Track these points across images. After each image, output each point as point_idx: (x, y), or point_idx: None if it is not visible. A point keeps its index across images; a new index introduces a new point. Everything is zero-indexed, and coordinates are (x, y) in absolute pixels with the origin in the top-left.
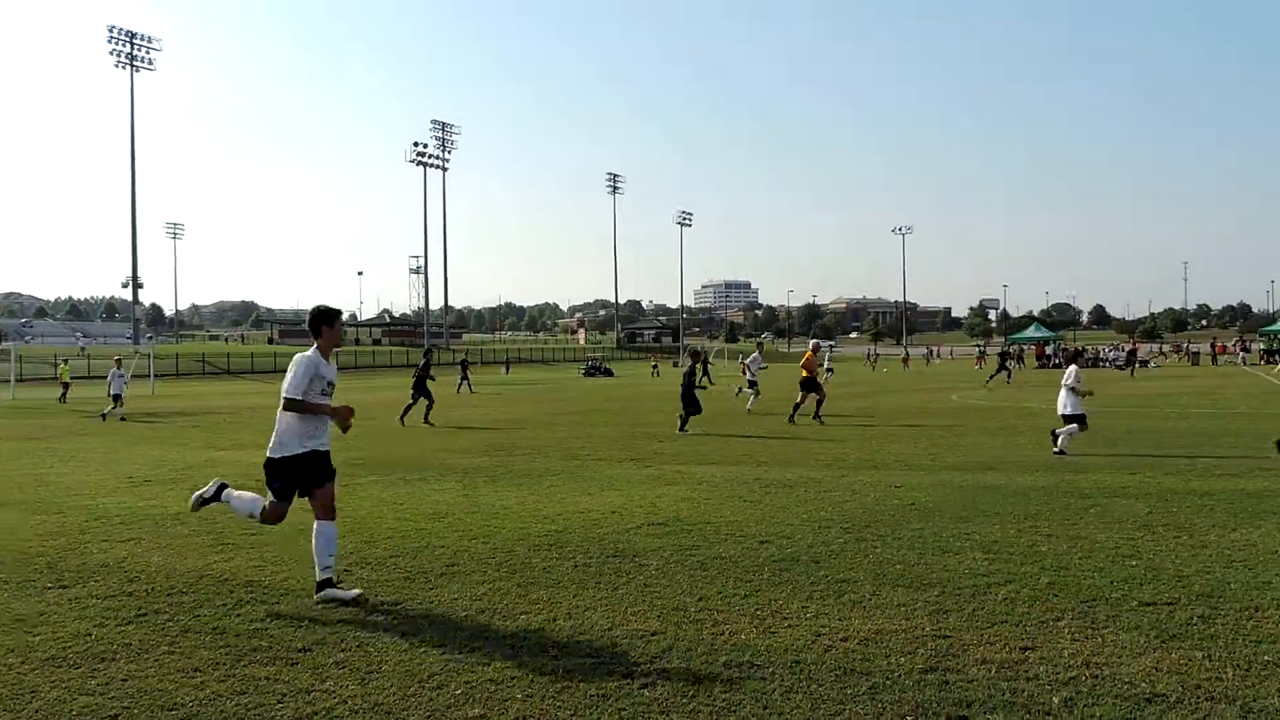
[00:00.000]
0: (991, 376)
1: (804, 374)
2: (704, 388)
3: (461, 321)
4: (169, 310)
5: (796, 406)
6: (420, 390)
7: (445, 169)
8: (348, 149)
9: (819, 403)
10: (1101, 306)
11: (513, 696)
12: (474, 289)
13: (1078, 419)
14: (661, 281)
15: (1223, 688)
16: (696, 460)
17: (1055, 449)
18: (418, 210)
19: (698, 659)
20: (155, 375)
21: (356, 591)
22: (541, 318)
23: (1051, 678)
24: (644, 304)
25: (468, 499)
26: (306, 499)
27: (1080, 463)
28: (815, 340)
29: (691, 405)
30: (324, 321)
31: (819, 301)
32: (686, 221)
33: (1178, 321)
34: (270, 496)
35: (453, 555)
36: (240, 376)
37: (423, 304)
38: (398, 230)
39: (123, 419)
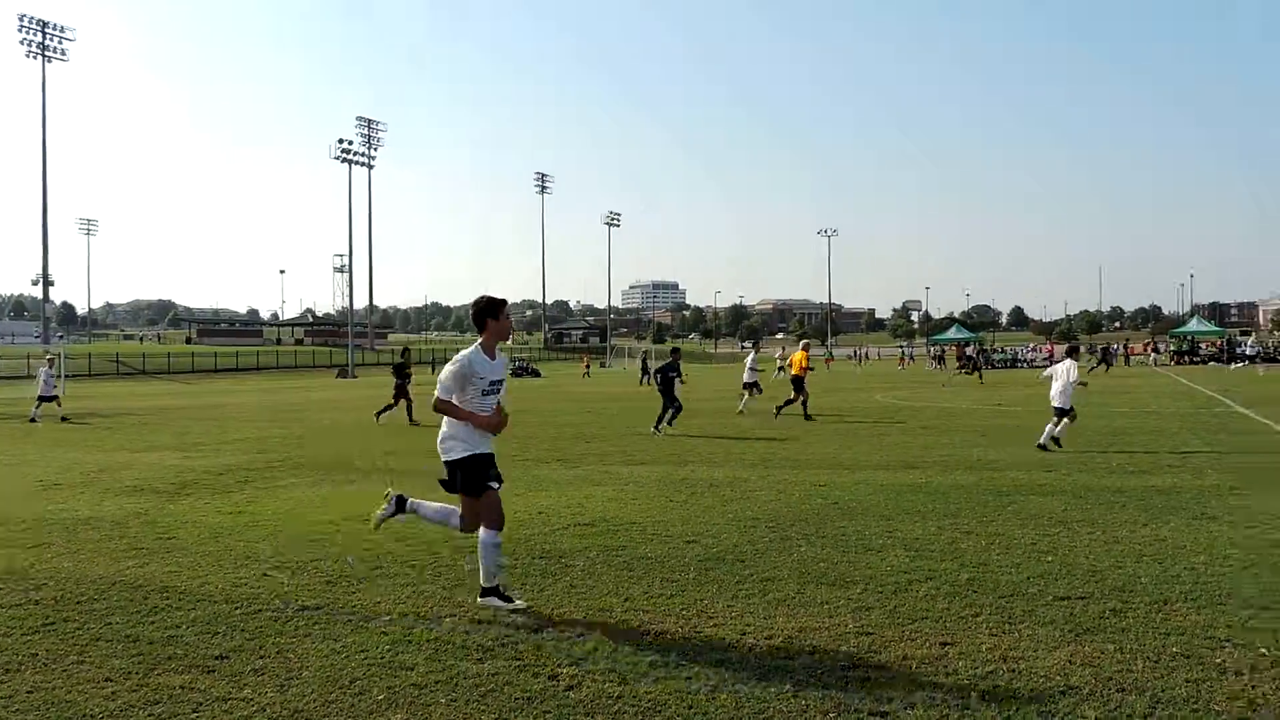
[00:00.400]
0: (954, 374)
1: (794, 373)
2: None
3: (387, 321)
4: (81, 309)
5: (789, 403)
6: (401, 391)
7: (371, 166)
8: (270, 145)
9: (804, 402)
10: (1020, 308)
11: (436, 701)
12: (400, 288)
13: (1067, 412)
14: (589, 282)
15: (1133, 679)
16: (624, 460)
17: (1039, 441)
18: (342, 208)
19: (623, 659)
20: (66, 375)
21: (523, 604)
22: (469, 318)
23: (970, 672)
24: (572, 304)
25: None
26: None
27: (1000, 461)
28: (806, 341)
29: (673, 402)
30: (489, 314)
31: (746, 302)
32: (615, 222)
33: (1092, 323)
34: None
35: (376, 558)
36: (156, 377)
37: (347, 303)
38: (321, 228)
39: (63, 419)
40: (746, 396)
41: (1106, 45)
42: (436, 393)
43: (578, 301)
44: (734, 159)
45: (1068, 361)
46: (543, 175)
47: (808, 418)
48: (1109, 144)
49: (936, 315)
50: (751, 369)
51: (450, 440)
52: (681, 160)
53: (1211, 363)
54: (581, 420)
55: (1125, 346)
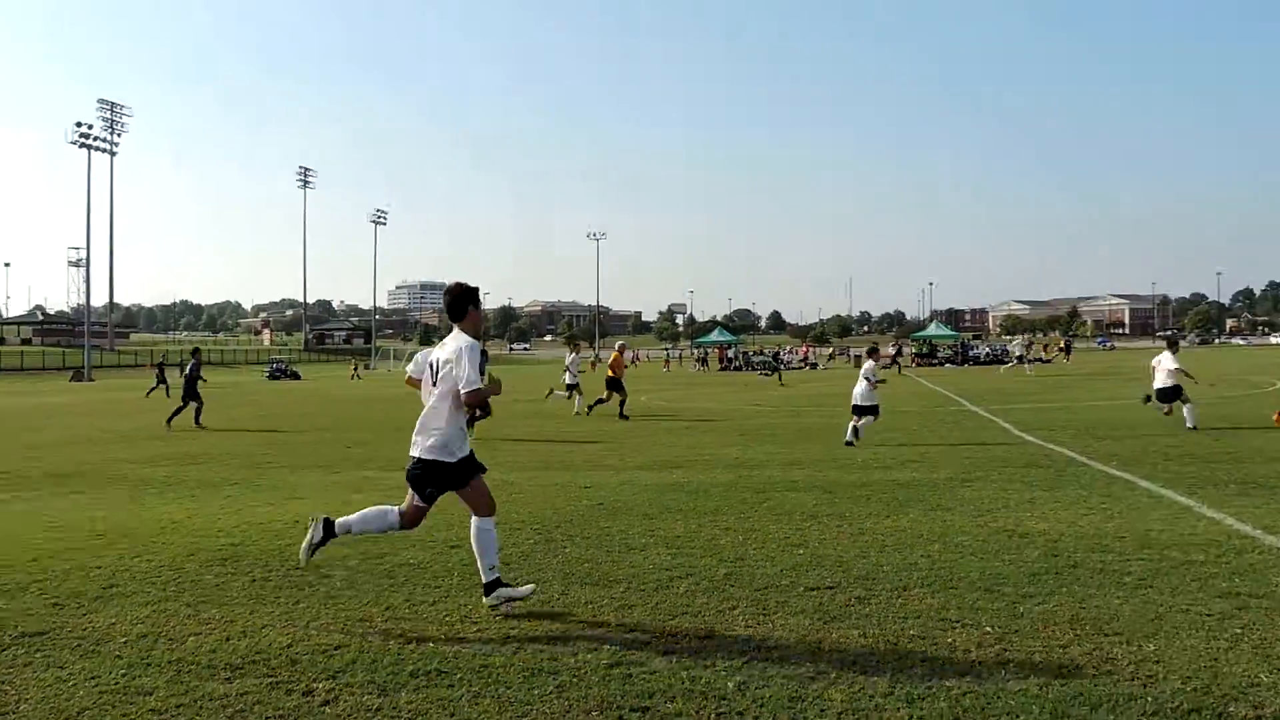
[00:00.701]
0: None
1: (610, 374)
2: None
3: (129, 320)
4: None
5: (601, 402)
6: (190, 393)
7: (114, 153)
8: None
9: (621, 402)
10: (778, 312)
11: None
12: (145, 285)
13: (872, 410)
14: (354, 281)
15: (875, 661)
16: (386, 465)
17: (846, 439)
18: (79, 197)
19: (384, 670)
20: None
21: (530, 587)
22: (222, 317)
23: (727, 664)
24: (335, 304)
25: (133, 513)
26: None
27: (756, 459)
28: (621, 343)
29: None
30: (470, 301)
31: (514, 304)
32: (381, 219)
33: (844, 327)
34: (416, 501)
35: (111, 575)
36: None
37: (83, 300)
38: (55, 218)
39: None
40: (579, 397)
41: (852, 61)
42: (469, 385)
43: (341, 301)
44: (506, 158)
45: (869, 363)
46: (305, 169)
47: (623, 417)
48: (860, 158)
49: (701, 318)
50: (571, 370)
51: (452, 442)
52: (451, 159)
53: (994, 365)
54: (345, 425)
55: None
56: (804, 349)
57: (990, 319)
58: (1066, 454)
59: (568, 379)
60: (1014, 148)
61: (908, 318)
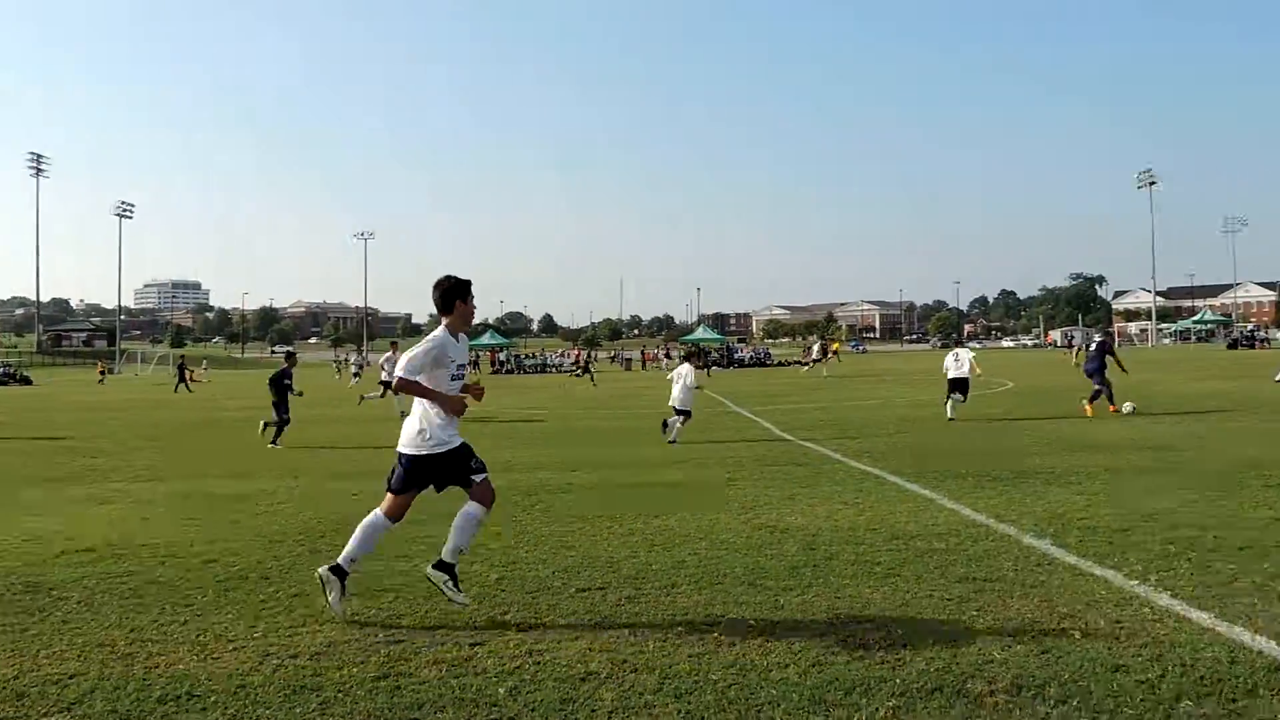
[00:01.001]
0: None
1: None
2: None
3: None
4: None
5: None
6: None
7: None
8: None
9: None
10: (550, 315)
11: None
12: None
13: (686, 413)
14: (98, 279)
15: (645, 659)
16: (135, 476)
17: (669, 439)
18: None
19: (127, 698)
20: None
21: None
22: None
23: (498, 669)
24: (73, 303)
25: None
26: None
27: (528, 461)
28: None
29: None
30: (458, 294)
31: (276, 305)
32: (127, 213)
33: (614, 330)
34: (389, 492)
35: None
36: None
37: None
38: None
39: None
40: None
41: (630, 61)
42: (400, 371)
43: (81, 300)
44: (268, 151)
45: (686, 365)
46: (37, 155)
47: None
48: (633, 162)
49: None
50: (386, 369)
51: (421, 434)
52: (205, 150)
53: (757, 367)
54: (86, 432)
55: (642, 353)
56: (575, 352)
57: (754, 323)
58: (823, 452)
59: (383, 376)
60: (782, 158)
61: (676, 321)
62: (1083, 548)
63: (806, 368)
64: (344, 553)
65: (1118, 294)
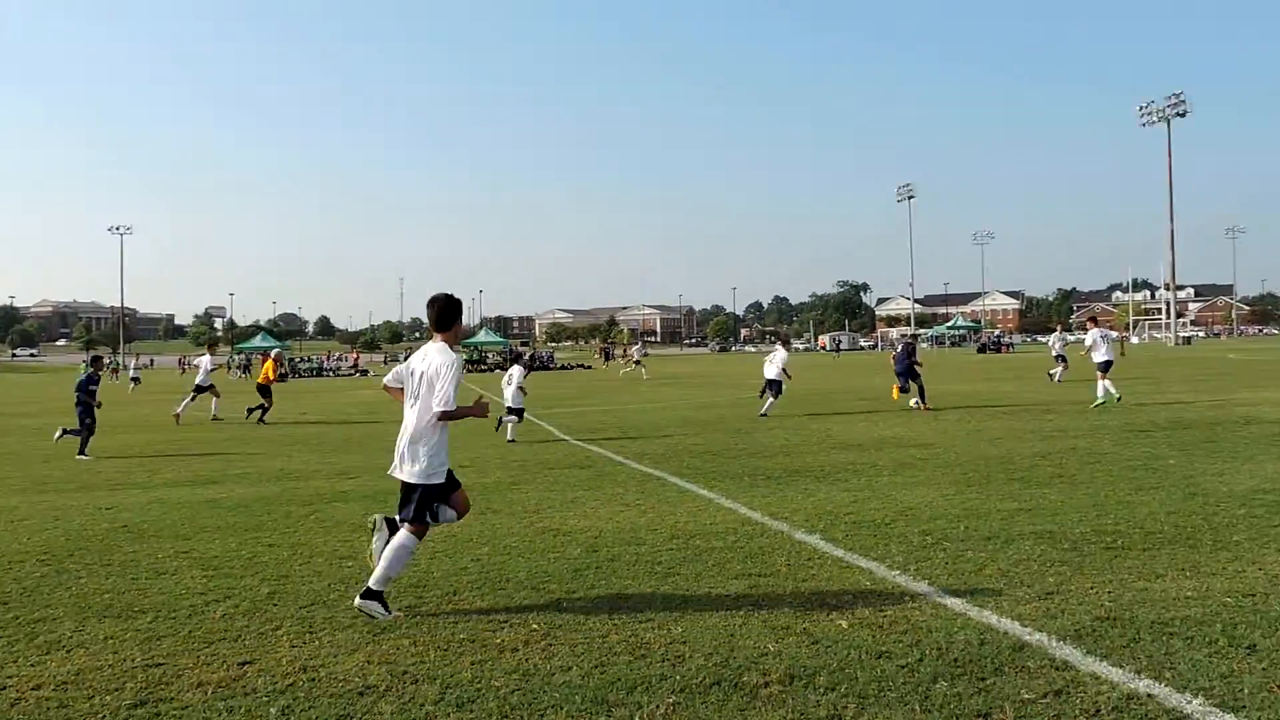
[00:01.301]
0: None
1: (261, 380)
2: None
3: None
4: None
5: (261, 409)
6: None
7: None
8: None
9: (265, 409)
10: (327, 317)
11: None
12: None
13: (519, 411)
14: None
15: (426, 669)
16: None
17: (508, 438)
18: None
19: None
20: None
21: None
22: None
23: (269, 688)
24: None
25: None
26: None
27: (302, 470)
28: (277, 350)
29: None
30: (457, 313)
31: (19, 304)
32: None
33: (395, 333)
34: (412, 524)
35: None
36: None
37: None
38: None
39: None
40: (216, 400)
41: (405, 64)
42: (445, 404)
43: None
44: (8, 139)
45: (516, 368)
46: None
47: (261, 420)
48: (413, 159)
49: (242, 322)
50: (203, 372)
51: (438, 461)
52: None
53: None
54: None
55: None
56: (354, 355)
57: (537, 326)
58: (606, 455)
59: (199, 380)
60: (547, 161)
61: None
62: (849, 541)
63: (626, 370)
64: (375, 576)
65: (880, 301)
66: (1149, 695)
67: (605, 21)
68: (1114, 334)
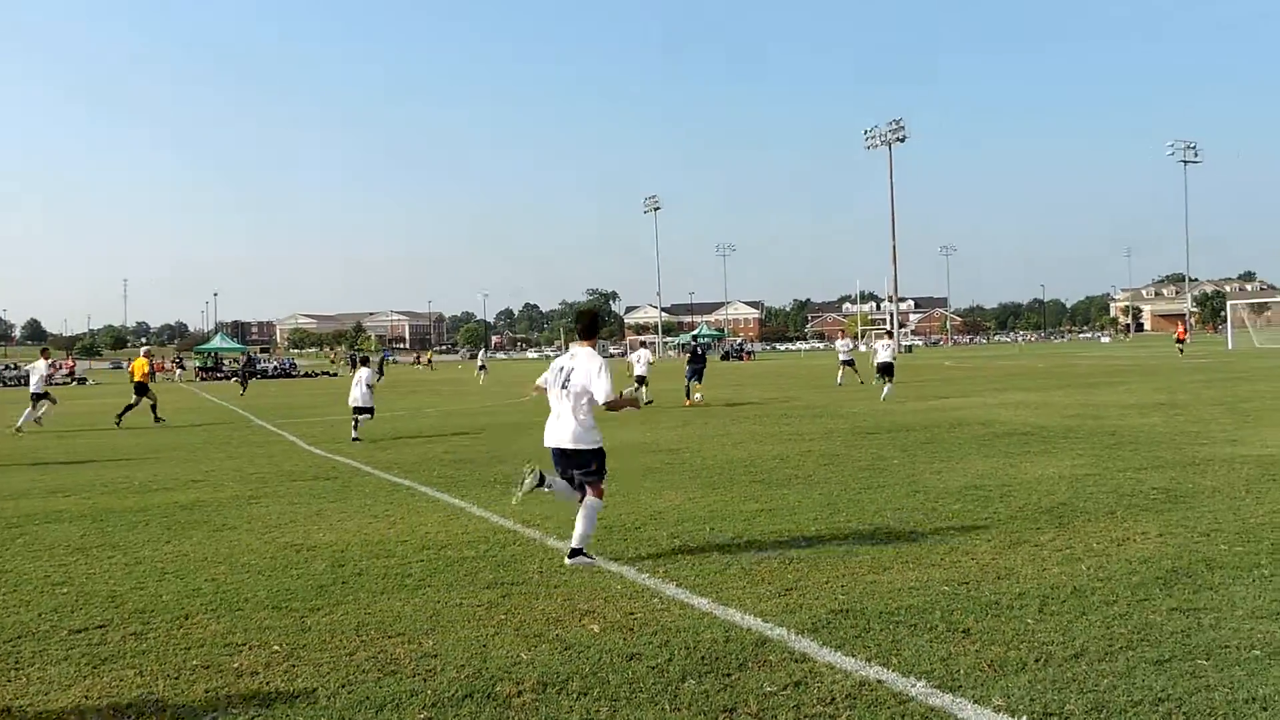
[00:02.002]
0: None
1: (135, 379)
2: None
3: None
4: None
5: (130, 409)
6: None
7: None
8: None
9: (153, 406)
10: (37, 320)
11: None
12: None
13: (368, 410)
14: None
15: (154, 700)
16: None
17: (353, 436)
18: None
19: None
20: None
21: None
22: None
23: None
24: None
25: None
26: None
27: (12, 488)
28: (148, 349)
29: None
30: (600, 324)
31: None
32: None
33: (118, 338)
34: (589, 486)
35: None
36: None
37: None
38: None
39: None
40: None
41: (148, 66)
42: (608, 396)
43: None
44: None
45: (365, 369)
46: None
47: (158, 420)
48: (146, 157)
49: None
50: (35, 381)
51: (596, 432)
52: None
53: (283, 378)
54: None
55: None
56: (69, 363)
57: (279, 332)
58: (353, 465)
59: (33, 388)
60: (311, 155)
61: (191, 329)
62: (601, 546)
63: (481, 372)
64: (577, 536)
65: (629, 309)
66: (878, 681)
67: (331, 21)
68: (892, 343)
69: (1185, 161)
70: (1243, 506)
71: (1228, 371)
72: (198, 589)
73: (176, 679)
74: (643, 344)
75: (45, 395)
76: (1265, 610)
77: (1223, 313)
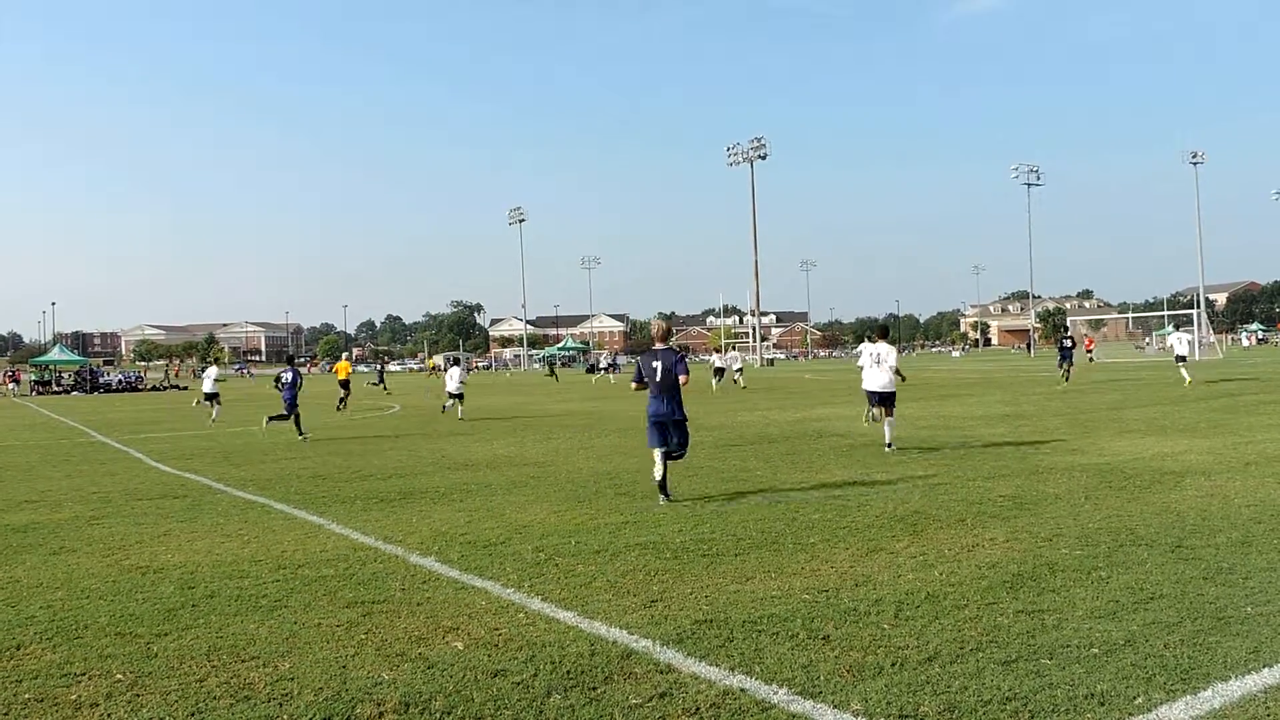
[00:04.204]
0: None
1: None
2: None
3: None
4: None
5: None
6: None
7: None
8: None
9: None
10: None
11: None
12: None
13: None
14: None
15: None
16: None
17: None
18: None
19: None
20: None
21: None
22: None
23: None
24: None
25: None
26: None
27: None
28: None
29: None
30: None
31: None
32: None
33: None
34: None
35: None
36: None
37: None
38: None
39: None
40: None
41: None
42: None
43: None
44: None
45: (456, 369)
46: None
47: None
48: None
49: None
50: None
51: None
52: None
53: (128, 392)
54: None
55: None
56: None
57: (124, 343)
58: (203, 482)
59: None
60: (152, 163)
61: (26, 340)
62: (465, 562)
63: (376, 383)
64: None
65: (494, 321)
66: (742, 690)
67: (202, 42)
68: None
69: (1029, 184)
70: (1082, 512)
71: (1068, 384)
72: (31, 617)
73: (6, 715)
74: (456, 361)
75: None
76: (1102, 610)
77: (1063, 328)
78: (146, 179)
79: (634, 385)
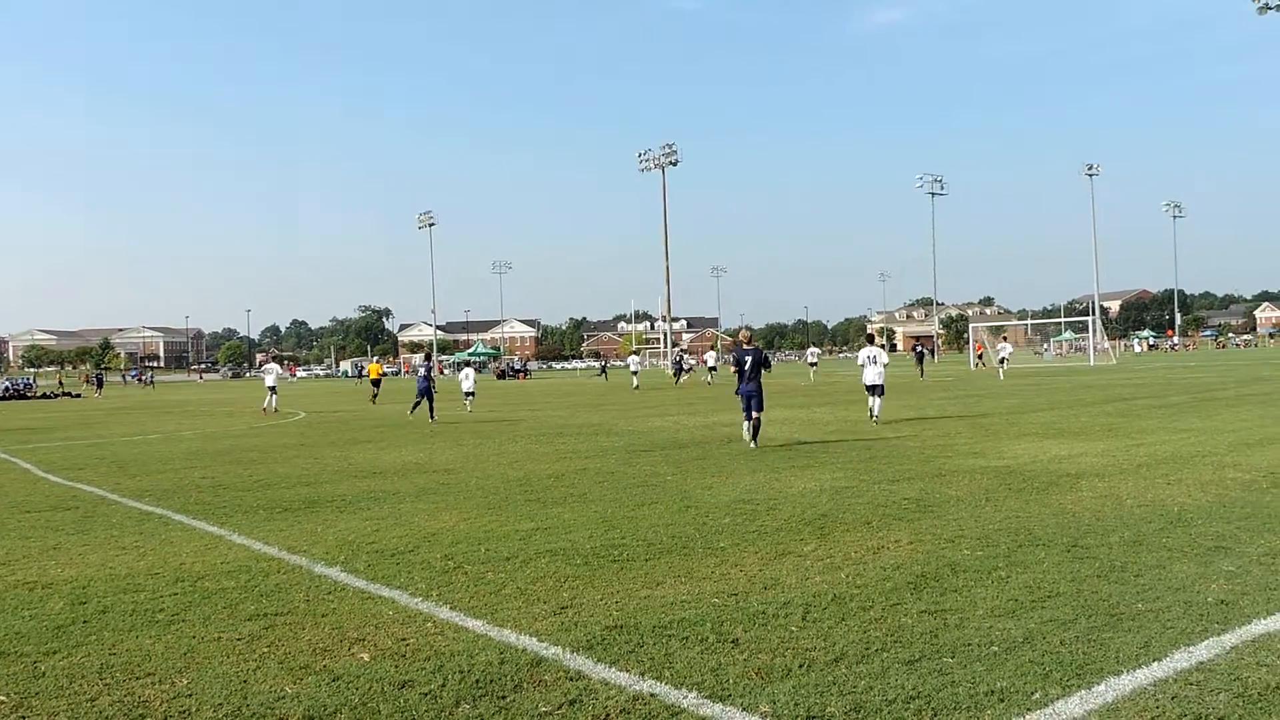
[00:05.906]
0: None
1: None
2: None
3: None
4: None
5: None
6: None
7: None
8: None
9: None
10: None
11: None
12: None
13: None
14: None
15: None
16: None
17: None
18: None
19: None
20: None
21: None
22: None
23: None
24: None
25: None
26: None
27: None
28: None
29: None
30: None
31: None
32: None
33: None
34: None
35: None
36: None
37: None
38: None
39: None
40: None
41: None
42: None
43: None
44: None
45: (469, 369)
46: None
47: None
48: None
49: None
50: None
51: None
52: None
53: (19, 399)
54: None
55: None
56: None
57: (11, 349)
58: (97, 493)
59: None
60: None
61: None
62: (372, 571)
63: (353, 382)
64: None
65: (403, 326)
66: (652, 695)
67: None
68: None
69: (933, 194)
70: (983, 514)
71: (970, 389)
72: None
73: None
74: (468, 364)
75: None
76: (1002, 609)
77: (965, 335)
78: (38, 178)
79: (733, 369)
